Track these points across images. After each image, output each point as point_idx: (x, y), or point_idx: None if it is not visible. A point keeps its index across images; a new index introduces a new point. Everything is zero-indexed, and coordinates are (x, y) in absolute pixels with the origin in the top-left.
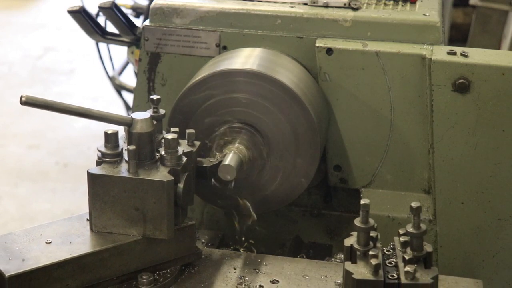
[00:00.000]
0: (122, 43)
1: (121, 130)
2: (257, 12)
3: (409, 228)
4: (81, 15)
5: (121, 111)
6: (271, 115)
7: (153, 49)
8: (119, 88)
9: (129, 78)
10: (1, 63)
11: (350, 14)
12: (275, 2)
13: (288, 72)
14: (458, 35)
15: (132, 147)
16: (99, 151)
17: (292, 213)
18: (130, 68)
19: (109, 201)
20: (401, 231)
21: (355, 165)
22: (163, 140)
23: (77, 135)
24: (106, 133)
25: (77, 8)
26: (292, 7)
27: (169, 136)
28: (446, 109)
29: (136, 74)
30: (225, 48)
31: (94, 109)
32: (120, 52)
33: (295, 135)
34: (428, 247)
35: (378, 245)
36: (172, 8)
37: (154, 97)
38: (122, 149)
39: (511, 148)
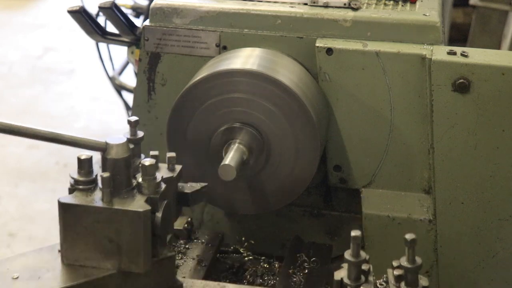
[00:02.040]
0: (122, 43)
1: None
2: (257, 12)
3: (404, 262)
4: (81, 15)
5: (121, 111)
6: (271, 115)
7: (153, 49)
8: (119, 88)
9: (129, 78)
10: (1, 63)
11: (350, 14)
12: (275, 2)
13: (288, 72)
14: (458, 35)
15: (106, 175)
16: (72, 177)
17: (292, 213)
18: (130, 68)
19: (82, 232)
20: (394, 264)
21: (355, 165)
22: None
23: (77, 135)
24: (79, 159)
25: (77, 8)
26: (292, 7)
27: (147, 162)
28: (446, 109)
29: (136, 74)
30: (225, 48)
31: (66, 134)
32: (120, 52)
33: (295, 135)
34: (424, 281)
35: (370, 279)
36: (172, 8)
37: (132, 118)
38: (96, 175)
39: (511, 148)
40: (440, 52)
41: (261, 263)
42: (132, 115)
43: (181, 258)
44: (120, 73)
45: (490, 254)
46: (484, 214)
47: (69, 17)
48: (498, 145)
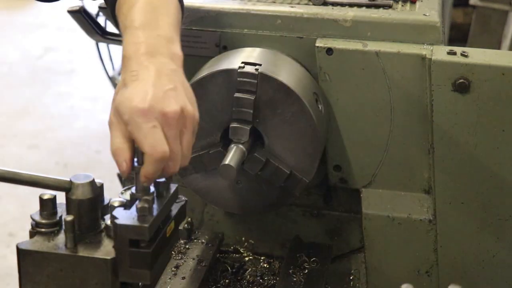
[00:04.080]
0: (122, 43)
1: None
2: (257, 12)
3: None
4: (81, 15)
5: None
6: (271, 115)
7: None
8: None
9: None
10: (1, 63)
11: (350, 14)
12: (273, 2)
13: (288, 72)
14: (458, 35)
15: (69, 218)
16: (33, 219)
17: (292, 213)
18: None
19: (43, 281)
20: None
21: (355, 165)
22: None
23: (77, 135)
24: (41, 199)
25: (77, 8)
26: (292, 7)
27: (116, 202)
28: (446, 109)
29: None
30: (225, 48)
31: (24, 173)
32: (120, 52)
33: (295, 135)
34: None
35: None
36: None
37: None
38: (61, 216)
39: (511, 148)
40: (440, 52)
41: (261, 263)
42: None
43: (181, 258)
44: (120, 73)
45: (490, 254)
46: (484, 214)
47: (69, 17)
48: (498, 145)
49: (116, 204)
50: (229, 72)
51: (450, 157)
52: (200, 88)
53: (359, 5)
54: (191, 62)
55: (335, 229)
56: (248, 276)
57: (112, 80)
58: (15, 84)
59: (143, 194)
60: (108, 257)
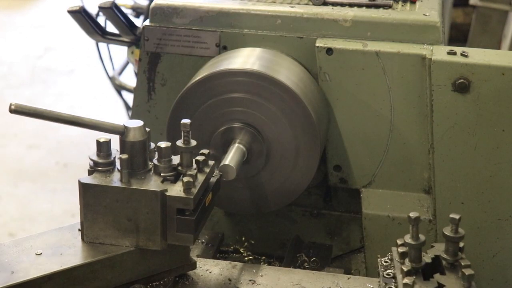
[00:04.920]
0: (122, 43)
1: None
2: (257, 12)
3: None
4: (81, 15)
5: (121, 111)
6: (271, 115)
7: (153, 49)
8: (119, 88)
9: (129, 78)
10: (1, 63)
11: (350, 14)
12: (273, 2)
13: (288, 72)
14: (458, 35)
15: (124, 156)
16: (91, 159)
17: (292, 213)
18: (130, 68)
19: (101, 211)
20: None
21: (355, 165)
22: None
23: (77, 135)
24: (98, 142)
25: (77, 8)
26: (292, 7)
27: (163, 144)
28: (446, 109)
29: (136, 74)
30: (225, 48)
31: (86, 117)
32: (120, 52)
33: (295, 135)
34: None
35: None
36: (172, 8)
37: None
38: (114, 157)
39: (511, 148)
40: (440, 52)
41: (261, 263)
42: (132, 115)
43: None
44: (120, 73)
45: (490, 254)
46: (484, 214)
47: (69, 17)
48: (498, 145)
49: (162, 145)
50: (229, 72)
51: (450, 157)
52: (200, 88)
53: (359, 5)
54: (191, 62)
55: (335, 229)
56: None
57: (112, 80)
58: (15, 84)
59: (188, 170)
60: (158, 190)
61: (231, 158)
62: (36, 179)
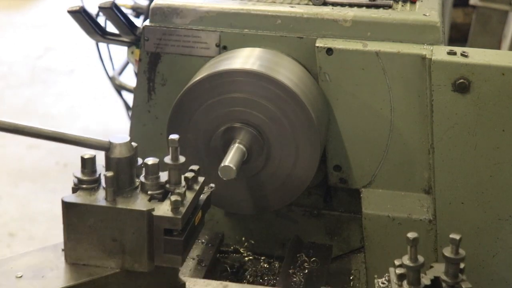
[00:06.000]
0: (122, 43)
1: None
2: (257, 12)
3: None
4: (81, 15)
5: (121, 111)
6: (271, 115)
7: (153, 49)
8: (119, 88)
9: (129, 78)
10: (1, 63)
11: (350, 14)
12: (273, 2)
13: (288, 72)
14: (458, 35)
15: (109, 174)
16: (75, 177)
17: (292, 213)
18: (130, 68)
19: (85, 231)
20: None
21: (355, 165)
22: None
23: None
24: (82, 158)
25: (77, 8)
26: (292, 7)
27: (149, 161)
28: (446, 109)
29: (136, 74)
30: (225, 48)
31: (69, 133)
32: (120, 52)
33: (295, 135)
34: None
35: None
36: (172, 8)
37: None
38: (100, 174)
39: (511, 148)
40: (440, 52)
41: (261, 263)
42: (132, 115)
43: None
44: (120, 73)
45: (490, 254)
46: (484, 214)
47: (69, 17)
48: (498, 145)
49: (149, 162)
50: (229, 72)
51: (450, 157)
52: (200, 88)
53: (359, 5)
54: (191, 62)
55: (335, 229)
56: (248, 276)
57: (112, 80)
58: (15, 84)
59: (176, 187)
60: (144, 209)
61: (231, 158)
62: (36, 179)
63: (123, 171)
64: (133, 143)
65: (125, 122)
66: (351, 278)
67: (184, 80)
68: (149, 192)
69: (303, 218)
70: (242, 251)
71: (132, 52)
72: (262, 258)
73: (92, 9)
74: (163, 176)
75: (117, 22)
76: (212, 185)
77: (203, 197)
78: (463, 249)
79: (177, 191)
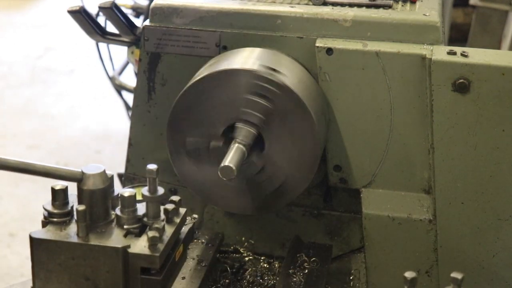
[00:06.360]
0: (122, 43)
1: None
2: (257, 12)
3: None
4: (81, 15)
5: (121, 111)
6: (271, 114)
7: (153, 49)
8: (119, 88)
9: (129, 78)
10: (1, 63)
11: (350, 14)
12: (273, 2)
13: (288, 72)
14: (458, 35)
15: (81, 208)
16: (45, 209)
17: (292, 213)
18: (130, 68)
19: (55, 270)
20: None
21: (355, 165)
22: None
23: (77, 135)
24: (53, 189)
25: (77, 8)
26: (292, 7)
27: (126, 193)
28: (446, 109)
29: (136, 74)
30: (225, 48)
31: (37, 164)
32: (120, 52)
33: (295, 135)
34: None
35: None
36: (172, 8)
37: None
38: (72, 206)
39: (511, 148)
40: (440, 52)
41: (261, 263)
42: (132, 115)
43: None
44: (120, 73)
45: (490, 254)
46: (484, 214)
47: (69, 17)
48: (498, 145)
49: (126, 194)
50: (229, 72)
51: (450, 157)
52: (200, 88)
53: (359, 5)
54: (191, 62)
55: (335, 229)
56: (248, 276)
57: (112, 80)
58: (15, 84)
59: (154, 221)
60: (119, 246)
61: (231, 158)
62: (36, 179)
63: (97, 204)
64: (108, 172)
65: (125, 122)
66: (351, 278)
67: (184, 80)
68: (125, 227)
69: (303, 218)
70: (242, 251)
71: (132, 52)
72: (262, 258)
73: (92, 9)
74: (141, 208)
75: (117, 22)
76: (195, 215)
77: (185, 229)
78: (463, 249)
79: (155, 225)
